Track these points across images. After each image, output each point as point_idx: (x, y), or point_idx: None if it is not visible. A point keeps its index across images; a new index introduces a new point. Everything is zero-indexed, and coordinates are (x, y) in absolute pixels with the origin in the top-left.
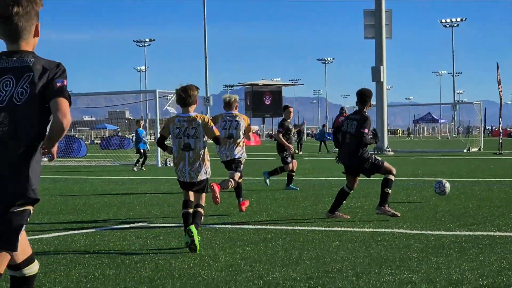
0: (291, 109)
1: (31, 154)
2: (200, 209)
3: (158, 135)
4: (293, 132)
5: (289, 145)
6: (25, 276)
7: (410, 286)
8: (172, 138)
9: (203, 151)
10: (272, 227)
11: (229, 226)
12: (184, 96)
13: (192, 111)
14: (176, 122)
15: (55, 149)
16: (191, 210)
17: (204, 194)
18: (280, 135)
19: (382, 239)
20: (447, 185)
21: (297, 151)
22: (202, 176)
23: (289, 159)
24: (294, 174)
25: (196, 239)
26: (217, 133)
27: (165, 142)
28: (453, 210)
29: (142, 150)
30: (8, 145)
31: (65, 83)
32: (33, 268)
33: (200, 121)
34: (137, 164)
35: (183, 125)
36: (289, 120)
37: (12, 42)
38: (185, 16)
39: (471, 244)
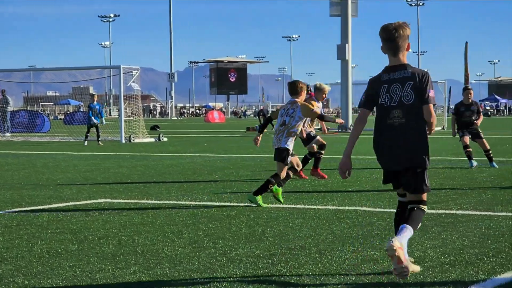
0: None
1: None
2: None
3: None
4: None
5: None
6: None
7: (372, 263)
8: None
9: (295, 129)
10: (236, 204)
11: (193, 202)
12: (292, 87)
13: (298, 99)
14: (286, 104)
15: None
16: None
17: (283, 164)
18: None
19: (345, 216)
20: None
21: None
22: (281, 145)
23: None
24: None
25: (278, 195)
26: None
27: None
28: None
29: (97, 124)
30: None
31: None
32: None
33: (299, 104)
34: (93, 138)
35: (287, 106)
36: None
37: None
38: None
39: (434, 222)
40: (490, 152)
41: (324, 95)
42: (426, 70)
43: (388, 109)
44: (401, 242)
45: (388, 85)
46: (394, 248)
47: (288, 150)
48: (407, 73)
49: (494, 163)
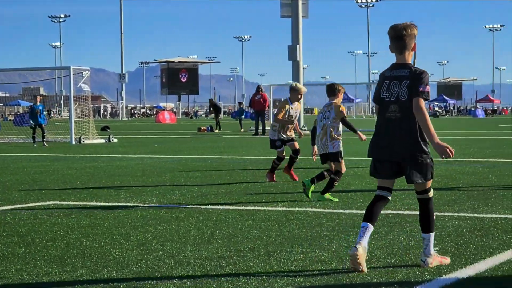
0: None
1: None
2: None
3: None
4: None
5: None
6: None
7: (320, 264)
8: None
9: (330, 129)
10: (185, 206)
11: (142, 204)
12: (330, 89)
13: (335, 101)
14: (322, 108)
15: None
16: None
17: (337, 163)
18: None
19: (295, 218)
20: None
21: (216, 130)
22: (329, 150)
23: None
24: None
25: (308, 191)
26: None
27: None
28: (365, 188)
29: (43, 125)
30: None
31: None
32: None
33: (334, 106)
34: (40, 139)
35: (324, 109)
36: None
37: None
38: None
39: (381, 223)
40: None
41: (299, 96)
42: (423, 70)
43: (387, 103)
44: (365, 247)
45: (389, 81)
46: (358, 256)
47: (341, 152)
48: (406, 72)
49: None
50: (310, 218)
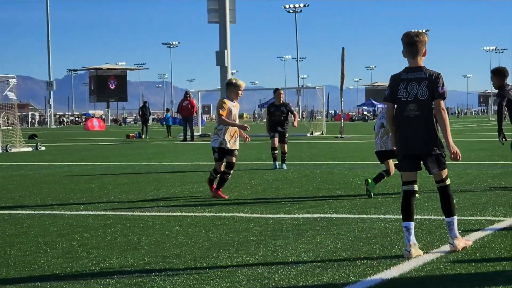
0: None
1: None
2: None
3: None
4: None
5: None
6: None
7: (247, 269)
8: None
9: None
10: (112, 213)
11: (69, 212)
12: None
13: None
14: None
15: None
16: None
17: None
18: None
19: (222, 223)
20: None
21: (143, 136)
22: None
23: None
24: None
25: (372, 191)
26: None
27: None
28: (293, 193)
29: None
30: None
31: None
32: None
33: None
34: None
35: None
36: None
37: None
38: None
39: (309, 227)
40: (286, 155)
41: (240, 92)
42: (438, 72)
43: (405, 103)
44: (414, 243)
45: (406, 83)
46: (412, 253)
47: None
48: (423, 74)
49: (284, 165)
50: (238, 223)
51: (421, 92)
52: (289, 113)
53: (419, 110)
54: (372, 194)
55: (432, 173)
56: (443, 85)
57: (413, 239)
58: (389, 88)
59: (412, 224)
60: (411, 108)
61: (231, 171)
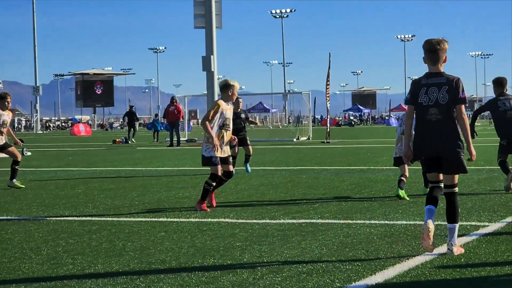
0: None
1: None
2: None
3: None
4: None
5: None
6: None
7: (232, 275)
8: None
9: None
10: (98, 218)
11: (54, 218)
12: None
13: None
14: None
15: None
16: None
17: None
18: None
19: (208, 228)
20: None
21: (130, 141)
22: None
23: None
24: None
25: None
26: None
27: None
28: (279, 198)
29: None
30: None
31: None
32: None
33: None
34: None
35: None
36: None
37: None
38: (12, 1)
39: (294, 232)
40: (250, 156)
41: (231, 93)
42: (458, 76)
43: (426, 107)
44: (433, 223)
45: (426, 88)
46: (429, 229)
47: None
48: (443, 79)
49: (248, 167)
50: (223, 228)
51: (441, 96)
52: (247, 120)
53: (440, 114)
54: (406, 197)
55: (447, 175)
56: (463, 90)
57: (432, 219)
58: (410, 94)
59: (434, 209)
60: (432, 112)
61: (228, 180)
